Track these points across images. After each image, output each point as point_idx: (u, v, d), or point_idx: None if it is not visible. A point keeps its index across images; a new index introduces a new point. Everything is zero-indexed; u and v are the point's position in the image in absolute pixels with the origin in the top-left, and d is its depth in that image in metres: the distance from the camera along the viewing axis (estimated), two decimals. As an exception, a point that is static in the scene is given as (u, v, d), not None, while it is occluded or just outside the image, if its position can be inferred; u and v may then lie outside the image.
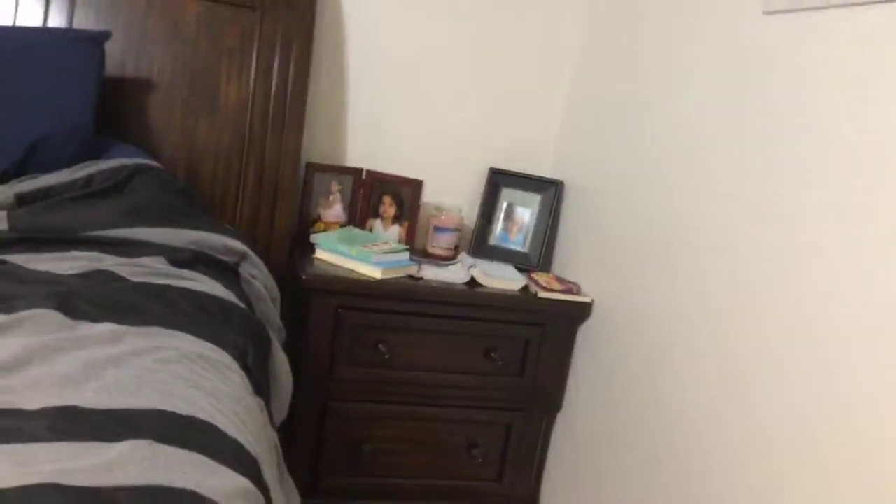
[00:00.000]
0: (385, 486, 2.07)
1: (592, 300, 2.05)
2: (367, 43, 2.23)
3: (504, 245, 2.29)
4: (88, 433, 0.91)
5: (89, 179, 1.62)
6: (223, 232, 1.71)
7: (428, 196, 2.30)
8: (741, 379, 1.46)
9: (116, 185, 1.64)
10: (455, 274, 2.05)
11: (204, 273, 1.50)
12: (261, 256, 1.76)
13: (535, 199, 2.28)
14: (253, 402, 1.19)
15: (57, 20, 1.89)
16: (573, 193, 2.23)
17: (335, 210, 2.20)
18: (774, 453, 1.35)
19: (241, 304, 1.47)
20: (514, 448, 2.14)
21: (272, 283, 1.74)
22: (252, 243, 1.81)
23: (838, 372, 1.23)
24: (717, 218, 1.58)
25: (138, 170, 1.69)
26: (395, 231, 2.22)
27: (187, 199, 1.75)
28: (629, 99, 1.99)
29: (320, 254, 2.02)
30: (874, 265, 1.18)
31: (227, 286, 1.50)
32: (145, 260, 1.47)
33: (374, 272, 1.94)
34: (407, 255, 2.03)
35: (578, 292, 2.08)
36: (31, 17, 1.88)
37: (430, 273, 2.04)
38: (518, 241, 2.28)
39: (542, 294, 2.04)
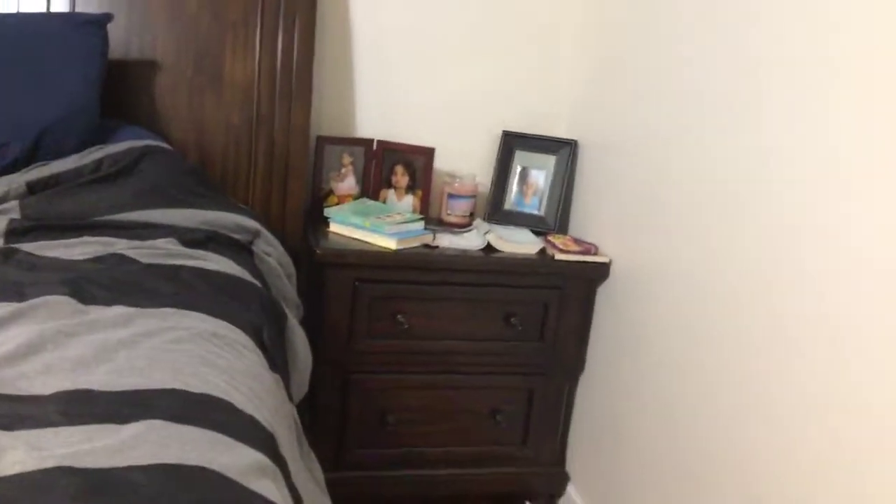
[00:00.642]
0: (410, 456, 2.07)
1: (610, 260, 2.03)
2: (373, 10, 2.20)
3: (520, 209, 2.27)
4: (101, 415, 0.92)
5: (98, 164, 1.63)
6: (235, 210, 1.71)
7: (441, 163, 2.28)
8: (762, 333, 1.44)
9: (126, 168, 1.64)
10: (471, 241, 2.03)
11: (217, 252, 1.50)
12: (275, 233, 1.77)
13: (550, 160, 2.25)
14: (269, 378, 1.20)
15: (59, 4, 1.88)
16: (588, 153, 2.20)
17: (348, 182, 2.19)
18: (796, 407, 1.33)
19: (256, 282, 1.47)
20: (537, 412, 2.13)
21: (287, 260, 1.74)
22: (265, 220, 1.81)
23: (873, 323, 1.21)
24: (736, 172, 1.54)
25: (147, 151, 1.68)
26: (409, 201, 2.20)
27: (198, 178, 1.75)
28: (644, 53, 1.94)
29: (334, 227, 2.01)
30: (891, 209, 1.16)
31: (241, 264, 1.50)
32: (157, 242, 1.47)
33: (389, 243, 1.93)
34: (422, 224, 2.02)
35: (596, 253, 2.05)
36: (33, 2, 1.87)
37: (446, 241, 2.02)
38: (534, 205, 2.26)
39: (559, 256, 2.02)
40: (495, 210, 2.26)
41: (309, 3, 1.98)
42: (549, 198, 2.23)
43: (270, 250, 1.67)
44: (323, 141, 2.16)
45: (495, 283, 2.02)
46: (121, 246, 1.43)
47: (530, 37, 2.32)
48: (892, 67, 1.17)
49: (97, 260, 1.38)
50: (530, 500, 2.23)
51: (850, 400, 1.22)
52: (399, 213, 2.04)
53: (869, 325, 1.19)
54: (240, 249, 1.59)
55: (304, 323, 1.69)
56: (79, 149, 1.67)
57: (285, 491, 0.95)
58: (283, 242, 1.77)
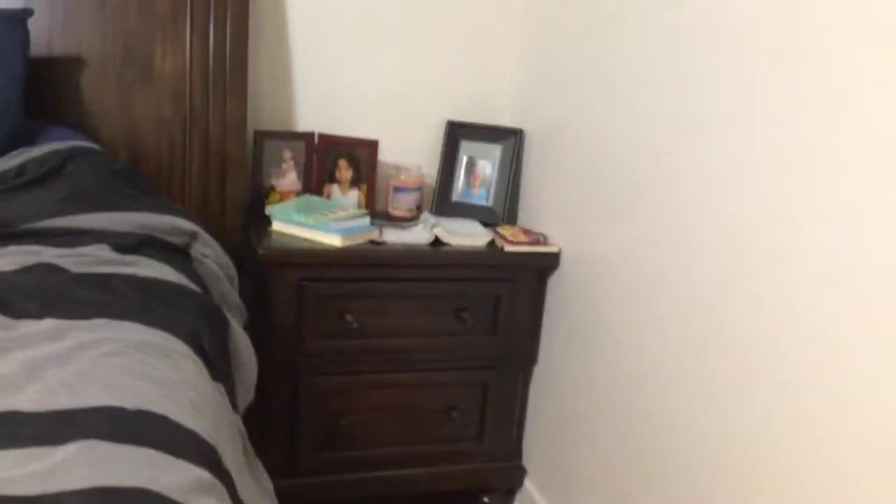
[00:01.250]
0: (365, 458, 2.03)
1: (560, 249, 2.01)
2: (311, 1, 2.13)
3: (467, 200, 2.23)
4: (31, 438, 0.87)
5: (22, 168, 1.55)
6: (170, 212, 1.64)
7: (385, 156, 2.23)
8: (714, 320, 1.42)
9: (51, 171, 1.56)
10: (418, 235, 1.99)
11: (151, 257, 1.43)
12: (214, 233, 1.70)
13: (496, 150, 2.22)
14: (209, 388, 1.15)
15: (-26, 1, 1.78)
16: (534, 141, 2.17)
17: (289, 178, 2.12)
18: (753, 397, 1.32)
19: (194, 287, 1.41)
20: (492, 406, 2.10)
21: (227, 261, 1.67)
22: (203, 220, 1.74)
23: (815, 310, 1.20)
24: (683, 159, 1.53)
25: (73, 153, 1.61)
26: (354, 195, 2.15)
27: (129, 179, 1.67)
28: (587, 38, 1.92)
29: (277, 226, 1.95)
30: (849, 199, 1.15)
31: (178, 269, 1.44)
32: (88, 249, 1.40)
33: (334, 240, 1.87)
34: (367, 219, 1.97)
35: (545, 243, 2.03)
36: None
37: (393, 236, 1.98)
38: (481, 196, 2.23)
39: (508, 248, 1.99)
40: (443, 202, 2.22)
41: (242, -7, 1.91)
42: (497, 188, 2.20)
43: (209, 252, 1.60)
44: (262, 136, 2.09)
45: (445, 277, 1.99)
46: (49, 255, 1.35)
47: (472, 24, 2.28)
48: (842, 55, 1.16)
49: (25, 270, 1.30)
50: (488, 496, 2.20)
51: (808, 388, 1.21)
52: (343, 209, 1.98)
53: (825, 308, 1.18)
54: (176, 253, 1.52)
55: (250, 326, 1.64)
56: (1, 153, 1.59)
57: (230, 506, 0.91)
58: (223, 243, 1.71)
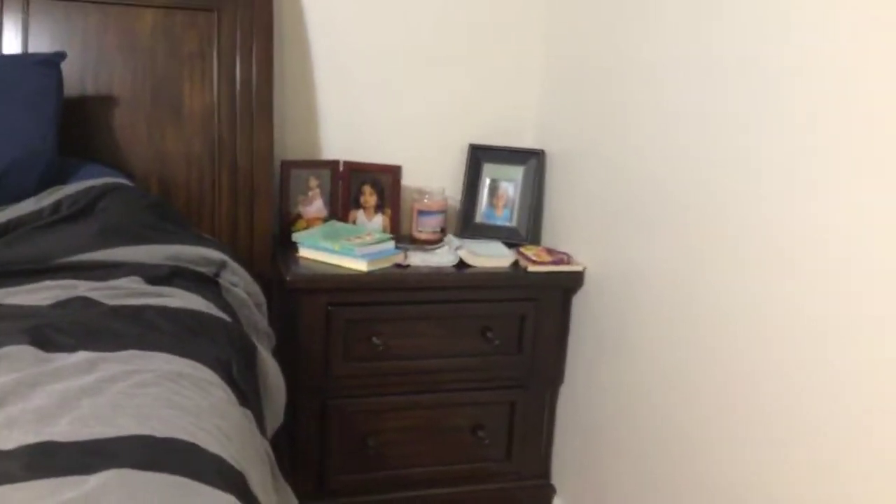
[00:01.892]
0: (394, 478, 2.06)
1: (584, 268, 2.02)
2: (331, 32, 2.19)
3: (491, 221, 2.26)
4: (64, 468, 0.90)
5: (57, 206, 1.60)
6: (199, 243, 1.68)
7: (409, 180, 2.27)
8: (743, 334, 1.43)
9: (85, 207, 1.61)
10: (442, 257, 2.02)
11: (182, 287, 1.47)
12: (243, 262, 1.74)
13: (518, 171, 2.25)
14: (238, 414, 1.18)
15: (11, 46, 1.86)
16: (556, 162, 2.20)
17: (316, 205, 2.17)
18: (791, 414, 1.33)
19: (222, 315, 1.45)
20: (519, 426, 2.12)
21: (256, 289, 1.72)
22: (233, 249, 1.80)
23: (837, 318, 1.21)
24: (706, 177, 1.54)
25: (106, 189, 1.66)
26: (379, 220, 2.19)
27: (160, 213, 1.72)
28: (607, 59, 1.94)
29: (304, 252, 2.00)
30: (862, 203, 1.16)
31: (207, 298, 1.47)
32: (121, 281, 1.45)
33: (360, 265, 1.91)
34: (392, 244, 2.00)
35: (569, 262, 2.05)
36: (-16, 47, 1.85)
37: (417, 259, 2.01)
38: (505, 217, 2.26)
39: (532, 268, 2.01)
40: (466, 224, 2.26)
41: (266, 30, 1.98)
42: (520, 209, 2.23)
43: (237, 280, 1.64)
44: (288, 165, 2.14)
45: (470, 298, 2.01)
46: (84, 288, 1.40)
47: (492, 48, 2.32)
48: (866, 62, 1.17)
49: (60, 305, 1.35)
50: (518, 514, 2.21)
51: (839, 401, 1.21)
52: (369, 234, 2.03)
53: (858, 324, 1.18)
54: (205, 282, 1.57)
55: (279, 351, 1.68)
56: (38, 190, 1.65)
57: (257, 531, 0.94)
58: (252, 270, 1.75)
